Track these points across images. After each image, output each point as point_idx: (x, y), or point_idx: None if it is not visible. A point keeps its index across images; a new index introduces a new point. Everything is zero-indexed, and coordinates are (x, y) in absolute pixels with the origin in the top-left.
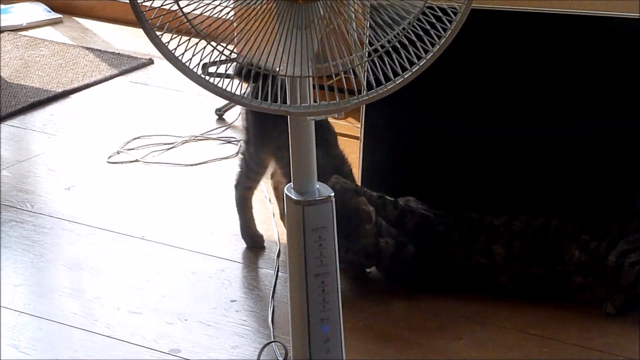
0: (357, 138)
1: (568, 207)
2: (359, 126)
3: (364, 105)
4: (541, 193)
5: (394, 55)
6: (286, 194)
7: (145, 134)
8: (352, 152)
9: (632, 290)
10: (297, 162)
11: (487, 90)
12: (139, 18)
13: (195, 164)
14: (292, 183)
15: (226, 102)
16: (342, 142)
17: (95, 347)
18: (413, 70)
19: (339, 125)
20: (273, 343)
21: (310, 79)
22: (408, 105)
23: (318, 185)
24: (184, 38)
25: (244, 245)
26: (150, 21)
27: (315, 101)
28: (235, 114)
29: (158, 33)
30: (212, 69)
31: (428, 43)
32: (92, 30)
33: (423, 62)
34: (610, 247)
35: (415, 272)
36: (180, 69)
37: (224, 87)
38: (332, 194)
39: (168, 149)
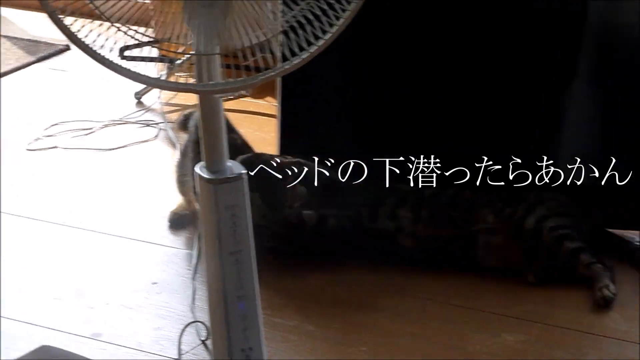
0: (274, 117)
1: (481, 180)
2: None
3: (280, 84)
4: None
5: (299, 31)
6: (198, 174)
7: (64, 120)
8: (271, 130)
9: (551, 254)
10: (208, 140)
11: (399, 60)
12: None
13: (115, 148)
14: (204, 162)
15: (144, 86)
16: (260, 121)
17: (15, 334)
18: (319, 44)
19: (258, 104)
20: (195, 323)
21: (219, 57)
22: (325, 80)
23: (230, 163)
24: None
25: (164, 227)
26: (52, 3)
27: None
28: (155, 97)
29: (60, 16)
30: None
31: (333, 17)
32: (7, 18)
33: (329, 36)
34: (527, 213)
35: (332, 240)
36: (85, 51)
37: (128, 69)
38: (244, 172)
39: (87, 134)
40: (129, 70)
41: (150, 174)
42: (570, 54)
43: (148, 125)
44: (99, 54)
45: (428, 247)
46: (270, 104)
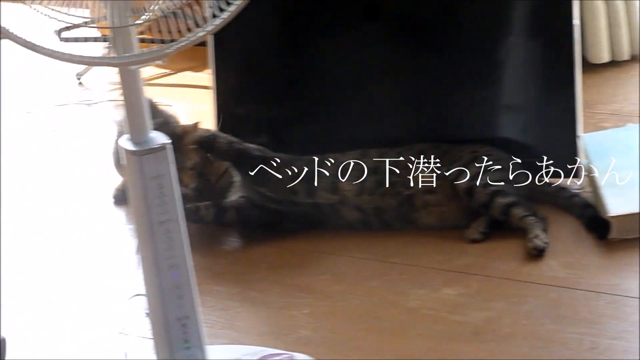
0: (208, 88)
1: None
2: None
3: (213, 53)
4: (389, 128)
5: None
6: (124, 148)
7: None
8: (207, 102)
9: (486, 211)
10: (130, 112)
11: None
12: None
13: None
14: (127, 134)
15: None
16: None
17: None
18: (230, 10)
19: (196, 77)
20: (138, 296)
21: (134, 30)
22: (256, 47)
23: (153, 134)
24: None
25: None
26: None
27: None
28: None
29: None
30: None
31: None
32: None
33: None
34: (461, 171)
35: (253, 220)
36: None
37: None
38: (169, 141)
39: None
40: (51, 50)
41: (93, 156)
42: None
43: (89, 105)
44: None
45: (372, 217)
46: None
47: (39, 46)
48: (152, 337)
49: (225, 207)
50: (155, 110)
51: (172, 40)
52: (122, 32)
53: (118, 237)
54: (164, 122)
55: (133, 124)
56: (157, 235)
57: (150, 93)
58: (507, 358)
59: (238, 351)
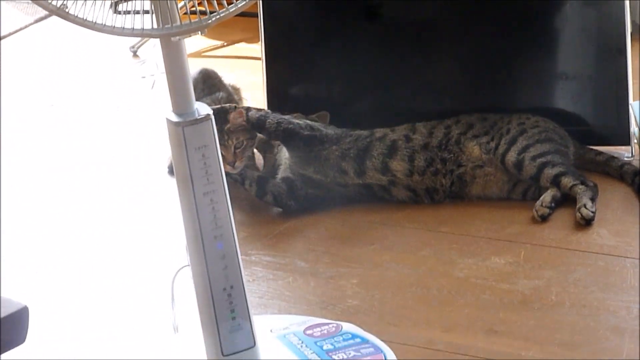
0: (258, 59)
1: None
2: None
3: (262, 25)
4: (439, 100)
5: None
6: (166, 118)
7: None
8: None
9: (536, 183)
10: (173, 84)
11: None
12: None
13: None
14: (170, 106)
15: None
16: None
17: None
18: None
19: (248, 48)
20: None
21: (175, 2)
22: (306, 23)
23: (197, 105)
24: None
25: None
26: None
27: None
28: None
29: None
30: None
31: None
32: None
33: None
34: (510, 145)
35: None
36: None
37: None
38: (211, 112)
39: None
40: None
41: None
42: None
43: (144, 77)
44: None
45: (423, 197)
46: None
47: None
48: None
49: (265, 190)
50: (219, 83)
51: (212, 12)
52: (164, 3)
53: (172, 208)
54: (227, 97)
55: (176, 95)
56: (201, 206)
57: (204, 65)
58: (555, 326)
59: (286, 321)
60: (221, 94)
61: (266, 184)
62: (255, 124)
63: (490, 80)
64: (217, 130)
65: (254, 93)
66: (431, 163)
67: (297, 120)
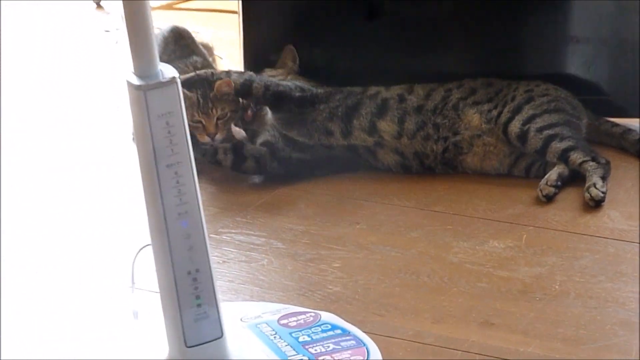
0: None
1: (470, 75)
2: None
3: None
4: (440, 61)
5: None
6: (126, 81)
7: None
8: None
9: (542, 157)
10: (135, 40)
11: None
12: None
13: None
14: (131, 67)
15: None
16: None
17: None
18: None
19: (223, 3)
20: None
21: None
22: None
23: (161, 66)
24: None
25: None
26: None
27: None
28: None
29: None
30: None
31: None
32: None
33: None
34: (514, 114)
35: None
36: None
37: None
38: (177, 75)
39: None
40: None
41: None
42: None
43: (108, 31)
44: None
45: (412, 161)
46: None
47: None
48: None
49: (245, 155)
50: (193, 44)
51: None
52: None
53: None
54: (203, 62)
55: (137, 53)
56: (164, 180)
57: (174, 19)
58: (558, 319)
59: (258, 309)
60: (196, 58)
61: (243, 149)
62: (240, 90)
63: (495, 43)
64: (201, 97)
65: (229, 50)
66: (422, 127)
67: (285, 82)
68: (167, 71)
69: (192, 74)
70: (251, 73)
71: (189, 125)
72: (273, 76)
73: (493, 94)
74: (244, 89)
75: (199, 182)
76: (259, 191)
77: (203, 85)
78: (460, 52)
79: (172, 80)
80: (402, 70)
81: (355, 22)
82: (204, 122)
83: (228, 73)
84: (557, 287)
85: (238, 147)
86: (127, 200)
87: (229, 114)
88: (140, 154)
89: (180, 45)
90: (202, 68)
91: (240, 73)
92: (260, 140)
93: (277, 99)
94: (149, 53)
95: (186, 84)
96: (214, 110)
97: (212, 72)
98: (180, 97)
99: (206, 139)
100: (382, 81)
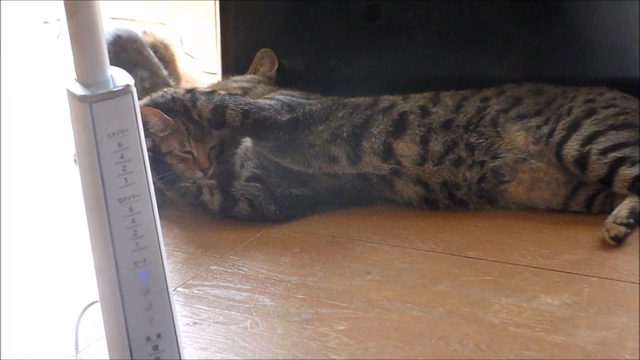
0: None
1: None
2: None
3: None
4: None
5: None
6: (67, 90)
7: None
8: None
9: (607, 187)
10: (78, 37)
11: None
12: None
13: None
14: (74, 72)
15: None
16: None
17: None
18: None
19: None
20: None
21: None
22: None
23: (112, 71)
24: None
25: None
26: None
27: None
28: None
29: None
30: None
31: None
32: None
33: None
34: (570, 132)
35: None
36: None
37: None
38: (132, 82)
39: None
40: None
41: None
42: None
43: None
44: None
45: (439, 194)
46: None
47: None
48: None
49: (234, 197)
50: (138, 56)
51: None
52: None
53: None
54: (151, 76)
55: (81, 55)
56: (115, 218)
57: (139, 9)
58: None
59: None
60: (142, 73)
61: (232, 188)
62: (211, 119)
63: (546, 39)
64: (188, 122)
65: (204, 48)
66: (452, 149)
67: (266, 101)
68: (120, 77)
69: (159, 93)
70: (221, 92)
71: (175, 157)
72: (237, 81)
73: (543, 105)
74: (216, 118)
75: (161, 220)
76: (241, 230)
77: (184, 109)
78: (499, 51)
79: (126, 88)
80: (408, 76)
81: (354, 22)
82: (195, 154)
83: (193, 94)
84: (627, 356)
85: (225, 186)
86: (69, 243)
87: (223, 144)
88: (85, 184)
89: (123, 59)
90: (150, 85)
91: (208, 94)
92: (245, 173)
93: (260, 128)
94: (97, 53)
95: (161, 107)
96: (209, 138)
97: (171, 95)
98: (137, 110)
99: (198, 174)
100: (379, 85)
